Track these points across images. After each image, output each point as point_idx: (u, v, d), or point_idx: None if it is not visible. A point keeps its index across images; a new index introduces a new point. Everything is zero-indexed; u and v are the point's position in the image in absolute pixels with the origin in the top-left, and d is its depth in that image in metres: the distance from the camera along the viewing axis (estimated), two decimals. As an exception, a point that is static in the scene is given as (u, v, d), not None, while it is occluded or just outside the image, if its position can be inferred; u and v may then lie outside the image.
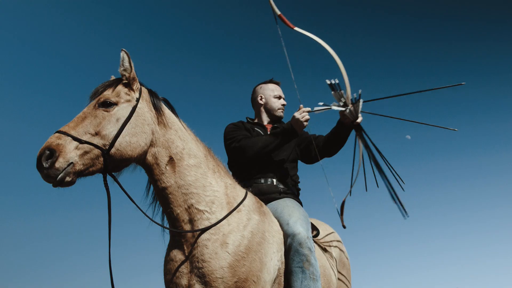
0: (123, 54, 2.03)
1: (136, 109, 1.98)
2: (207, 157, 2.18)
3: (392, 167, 2.45)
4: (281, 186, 2.59)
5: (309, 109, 2.52)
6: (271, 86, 2.97)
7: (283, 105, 2.92)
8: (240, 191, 2.23)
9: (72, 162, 1.73)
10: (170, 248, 2.08)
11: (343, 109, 2.47)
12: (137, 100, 2.01)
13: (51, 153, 1.70)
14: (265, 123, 2.90)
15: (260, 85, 3.01)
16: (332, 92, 2.48)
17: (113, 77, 2.20)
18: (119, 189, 1.93)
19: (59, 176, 1.70)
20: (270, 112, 2.90)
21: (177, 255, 2.01)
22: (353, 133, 2.60)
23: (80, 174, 1.78)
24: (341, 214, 2.59)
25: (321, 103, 2.54)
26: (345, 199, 2.59)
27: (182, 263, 1.98)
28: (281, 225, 2.27)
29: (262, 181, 2.57)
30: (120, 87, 2.01)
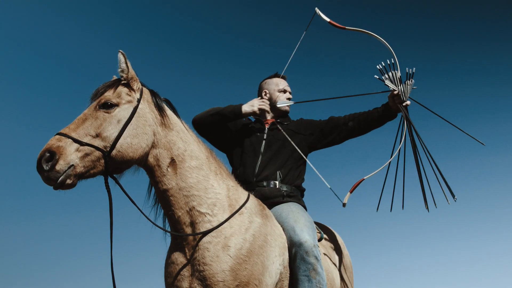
0: (119, 55, 2.04)
1: (138, 110, 1.97)
2: (209, 159, 2.18)
3: (431, 155, 2.56)
4: (285, 189, 2.54)
5: (267, 103, 2.77)
6: (276, 80, 2.94)
7: (289, 99, 2.89)
8: (242, 194, 2.22)
9: (72, 165, 1.73)
10: (171, 250, 2.07)
11: (391, 87, 2.59)
12: (138, 101, 2.01)
13: (52, 155, 1.70)
14: (269, 118, 2.86)
15: (265, 80, 2.98)
16: (382, 77, 2.63)
17: (115, 77, 2.19)
18: (121, 191, 1.93)
19: (60, 179, 1.70)
20: (274, 106, 2.86)
21: (178, 258, 2.01)
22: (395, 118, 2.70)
23: (81, 176, 1.78)
24: (351, 190, 2.48)
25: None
26: (363, 179, 2.49)
27: (183, 266, 1.98)
28: (286, 231, 2.24)
29: (265, 184, 2.54)
30: (121, 88, 2.01)
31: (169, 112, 2.16)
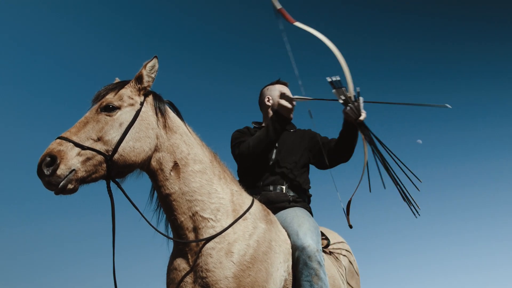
0: (155, 61, 2.08)
1: (140, 113, 1.97)
2: (213, 162, 2.16)
3: (402, 163, 2.39)
4: (291, 194, 2.54)
5: (290, 96, 2.56)
6: (278, 86, 2.92)
7: (292, 106, 2.86)
8: (247, 198, 2.21)
9: (74, 169, 1.73)
10: (174, 256, 2.07)
11: (340, 101, 2.44)
12: (141, 103, 2.00)
13: (53, 160, 1.70)
14: None
15: (267, 87, 2.97)
16: (333, 90, 2.43)
17: (117, 79, 2.19)
18: (122, 196, 1.92)
19: (61, 184, 1.70)
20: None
21: (181, 264, 2.00)
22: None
23: (83, 181, 1.78)
24: (347, 214, 2.57)
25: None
26: (351, 199, 2.57)
27: (186, 272, 1.97)
28: (290, 236, 2.23)
29: (271, 188, 2.53)
30: (123, 91, 2.00)
31: (172, 114, 2.15)
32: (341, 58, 2.45)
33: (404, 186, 2.37)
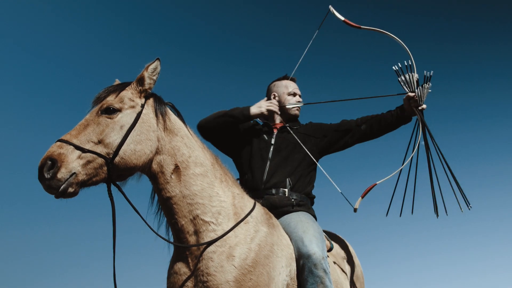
0: (157, 63, 2.08)
1: (141, 115, 1.97)
2: (214, 165, 2.16)
3: (448, 165, 2.55)
4: (294, 197, 2.51)
5: (276, 104, 2.74)
6: (285, 82, 2.88)
7: (299, 102, 2.83)
8: (248, 202, 2.21)
9: (74, 172, 1.73)
10: (174, 260, 2.07)
11: (406, 89, 2.61)
12: (142, 106, 2.00)
13: (53, 163, 1.70)
14: (278, 122, 2.81)
15: (274, 83, 2.93)
16: (399, 78, 2.62)
17: (117, 81, 2.19)
18: (122, 199, 1.92)
19: (62, 187, 1.70)
20: (283, 110, 2.80)
21: (182, 268, 2.00)
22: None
23: (83, 184, 1.78)
24: (363, 195, 2.46)
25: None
26: (375, 184, 2.45)
27: (187, 276, 1.97)
28: (294, 242, 2.21)
29: (273, 191, 2.50)
30: (124, 93, 2.00)
31: (173, 116, 2.15)
32: (407, 48, 2.65)
33: (456, 180, 2.54)
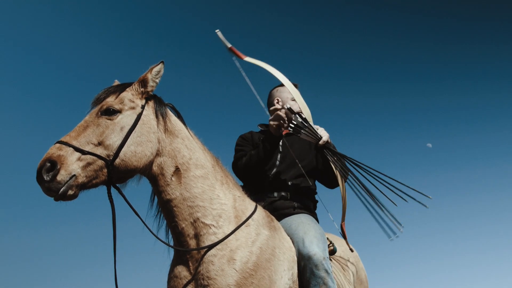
0: (161, 66, 2.07)
1: (142, 116, 1.96)
2: (215, 167, 2.16)
3: (388, 176, 2.28)
4: (296, 201, 2.52)
5: (281, 107, 2.47)
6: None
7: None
8: (250, 204, 2.20)
9: (74, 175, 1.72)
10: (174, 264, 2.06)
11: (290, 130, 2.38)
12: (143, 107, 1.99)
13: (52, 165, 1.69)
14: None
15: (277, 88, 2.94)
16: (302, 132, 2.38)
17: (116, 82, 2.18)
18: (122, 202, 1.91)
19: (61, 190, 1.69)
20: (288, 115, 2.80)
21: (182, 271, 1.99)
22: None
23: (83, 187, 1.78)
24: (345, 238, 2.58)
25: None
26: (342, 224, 2.53)
27: (187, 280, 1.96)
28: (295, 244, 2.21)
29: (275, 195, 2.51)
30: (124, 94, 1.99)
31: (173, 118, 2.15)
32: (291, 87, 2.54)
33: (383, 206, 2.31)
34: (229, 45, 2.71)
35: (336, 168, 2.38)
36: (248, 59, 2.66)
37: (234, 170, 2.58)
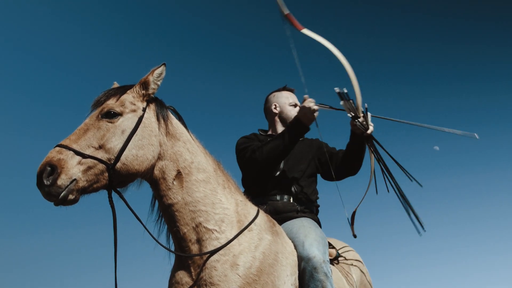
0: (163, 69, 2.06)
1: (143, 119, 1.95)
2: (216, 171, 2.15)
3: (410, 175, 2.43)
4: (298, 204, 2.53)
5: (314, 101, 2.43)
6: (286, 93, 2.92)
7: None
8: (252, 209, 2.20)
9: (75, 179, 1.70)
10: (176, 269, 2.05)
11: (349, 115, 2.45)
12: (144, 110, 1.98)
13: (52, 169, 1.68)
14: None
15: (273, 93, 2.96)
16: (341, 102, 2.41)
17: (116, 84, 2.17)
18: (122, 206, 1.89)
19: (62, 194, 1.67)
20: (285, 121, 2.82)
21: (184, 277, 1.98)
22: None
23: (84, 191, 1.76)
24: (352, 224, 2.59)
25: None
26: (355, 210, 2.58)
27: (189, 286, 1.95)
28: (296, 247, 2.22)
29: (278, 198, 2.52)
30: (125, 96, 1.98)
31: (175, 121, 2.14)
32: (349, 69, 2.41)
33: (409, 204, 2.41)
34: (287, 11, 2.54)
35: (372, 156, 2.49)
36: (306, 31, 2.53)
37: (248, 160, 2.52)
